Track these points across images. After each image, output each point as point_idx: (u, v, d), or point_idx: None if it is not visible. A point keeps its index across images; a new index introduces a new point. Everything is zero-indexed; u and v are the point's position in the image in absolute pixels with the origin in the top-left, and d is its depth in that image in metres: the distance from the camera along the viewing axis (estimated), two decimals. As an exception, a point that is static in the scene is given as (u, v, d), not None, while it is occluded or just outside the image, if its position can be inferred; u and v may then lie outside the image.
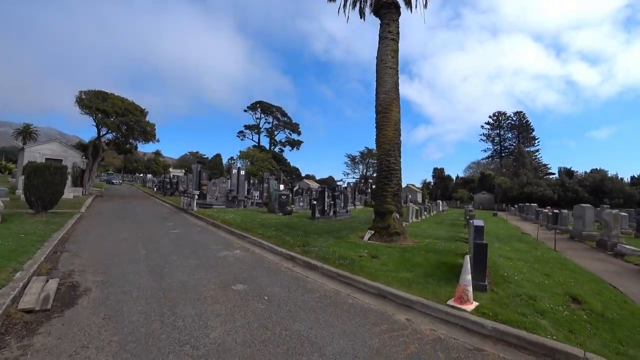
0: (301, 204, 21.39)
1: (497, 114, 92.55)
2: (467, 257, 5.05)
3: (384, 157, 10.33)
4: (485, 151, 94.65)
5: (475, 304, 4.91)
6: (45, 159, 27.07)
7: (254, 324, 4.50)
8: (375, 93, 11.09)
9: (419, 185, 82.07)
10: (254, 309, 5.00)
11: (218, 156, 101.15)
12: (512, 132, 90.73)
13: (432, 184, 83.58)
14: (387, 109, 10.51)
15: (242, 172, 25.66)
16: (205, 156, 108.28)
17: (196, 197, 18.78)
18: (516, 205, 41.54)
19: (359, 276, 6.36)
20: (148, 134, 28.88)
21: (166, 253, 8.53)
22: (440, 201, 42.28)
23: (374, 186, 44.08)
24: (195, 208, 18.60)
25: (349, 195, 20.63)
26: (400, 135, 10.66)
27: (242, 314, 4.80)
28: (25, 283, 5.53)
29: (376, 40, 11.21)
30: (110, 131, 27.92)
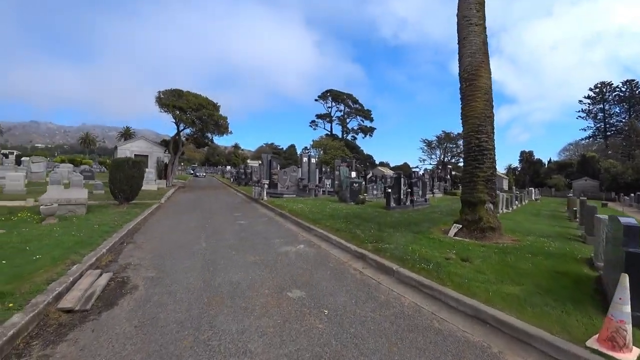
0: (375, 192, 19.96)
1: (600, 85, 79.00)
2: (625, 278, 3.28)
3: (473, 134, 8.45)
4: (585, 130, 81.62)
5: (637, 351, 3.19)
6: (134, 154, 29.44)
7: (306, 353, 3.39)
8: (458, 58, 9.19)
9: (502, 171, 74.38)
10: (309, 328, 3.91)
11: (292, 147, 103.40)
12: (620, 106, 76.95)
13: (518, 169, 75.12)
14: (475, 75, 8.57)
15: (313, 161, 24.96)
16: (280, 147, 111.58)
17: (266, 186, 18.46)
18: (633, 194, 34.78)
19: (447, 287, 4.87)
20: (221, 127, 29.69)
21: (225, 246, 7.94)
22: (533, 189, 37.33)
23: (453, 172, 40.58)
24: (265, 197, 18.30)
25: (427, 183, 18.58)
26: (492, 106, 8.67)
27: (294, 336, 3.74)
28: (76, 278, 5.30)
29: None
30: (187, 126, 29.24)
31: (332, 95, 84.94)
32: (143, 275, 5.74)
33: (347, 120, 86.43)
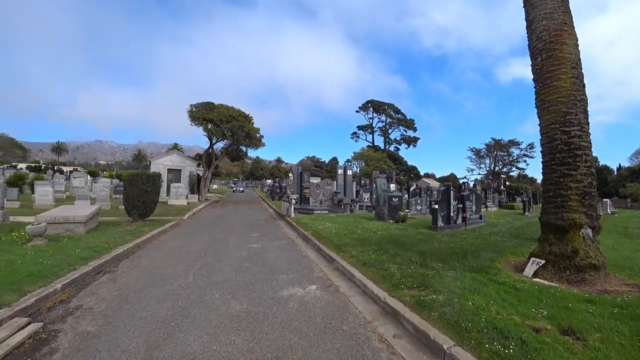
0: (419, 207, 17.26)
1: None
2: None
3: (557, 126, 5.81)
4: None
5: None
6: (167, 169, 28.92)
7: None
8: (525, 26, 6.66)
9: None
10: None
11: (334, 159, 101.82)
12: None
13: None
14: (554, 43, 5.99)
15: (349, 172, 22.72)
16: (322, 160, 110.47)
17: (293, 201, 16.47)
18: None
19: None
20: (252, 138, 28.36)
21: (214, 283, 6.15)
22: (608, 200, 32.06)
23: (507, 182, 36.11)
24: (292, 214, 16.31)
25: (480, 195, 15.63)
26: (584, 85, 6.01)
27: None
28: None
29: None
30: (218, 139, 28.27)
31: (373, 106, 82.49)
32: (80, 330, 4.21)
33: (389, 130, 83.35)
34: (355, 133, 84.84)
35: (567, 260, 5.51)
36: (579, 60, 6.00)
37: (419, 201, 17.44)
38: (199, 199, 28.86)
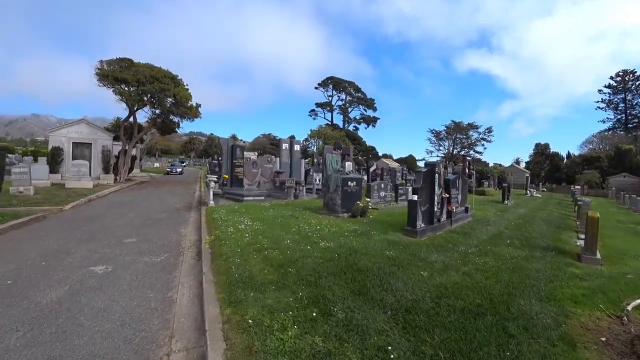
0: (382, 193, 13.24)
1: (622, 73, 70.66)
2: None
3: None
4: (604, 122, 73.47)
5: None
6: (73, 142, 22.81)
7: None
8: None
9: (507, 163, 66.81)
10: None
11: (292, 137, 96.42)
12: (646, 95, 68.86)
13: (531, 163, 67.41)
14: None
15: (297, 148, 18.22)
16: (278, 138, 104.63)
17: (213, 184, 11.80)
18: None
19: None
20: (182, 106, 22.79)
21: None
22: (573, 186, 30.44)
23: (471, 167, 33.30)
24: (210, 202, 11.68)
25: (467, 180, 11.80)
26: None
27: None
28: None
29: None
30: (135, 105, 22.45)
31: (333, 83, 77.90)
32: None
33: (349, 109, 79.40)
34: (313, 110, 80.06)
35: None
36: None
37: (382, 186, 13.43)
38: (116, 179, 23.16)
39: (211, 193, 11.79)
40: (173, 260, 6.21)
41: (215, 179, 11.91)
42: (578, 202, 13.20)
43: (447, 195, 8.56)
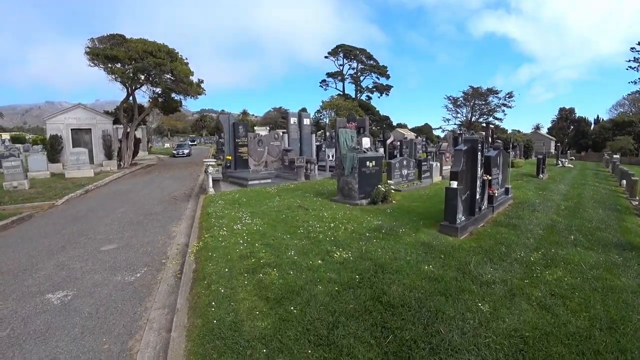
0: (405, 171, 11.59)
1: None
2: None
3: None
4: (636, 83, 67.54)
5: None
6: (71, 129, 21.65)
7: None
8: None
9: (525, 130, 62.97)
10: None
11: (303, 110, 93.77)
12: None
13: (553, 129, 63.43)
14: None
15: (307, 122, 16.59)
16: (289, 110, 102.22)
17: (211, 169, 10.44)
18: None
19: None
20: (182, 82, 21.14)
21: None
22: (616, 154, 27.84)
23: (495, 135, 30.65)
24: (210, 190, 10.37)
25: (508, 154, 9.87)
26: None
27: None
28: None
29: None
30: (128, 83, 20.95)
31: (344, 51, 74.09)
32: None
33: (361, 77, 75.99)
34: (324, 81, 76.93)
35: None
36: None
37: (404, 163, 11.77)
38: (119, 165, 22.11)
39: (210, 180, 10.45)
40: (150, 278, 4.95)
41: (213, 162, 10.52)
42: (631, 177, 11.40)
43: (489, 177, 6.96)
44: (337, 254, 4.67)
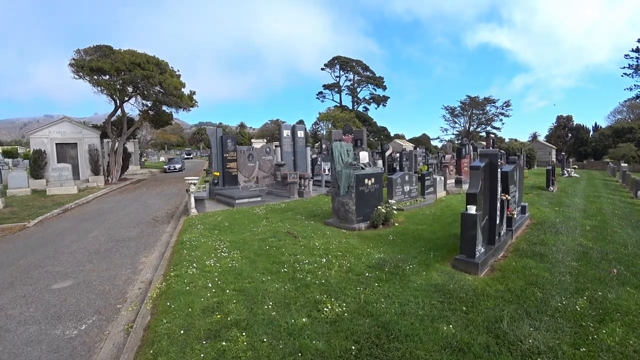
0: (407, 188, 10.57)
1: None
2: None
3: None
4: (631, 89, 66.50)
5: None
6: (56, 144, 20.65)
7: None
8: None
9: (522, 139, 62.29)
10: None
11: (300, 122, 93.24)
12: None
13: (551, 137, 62.75)
14: None
15: (300, 134, 15.66)
16: (284, 122, 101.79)
17: (193, 188, 9.42)
18: None
19: None
20: (172, 95, 20.22)
21: None
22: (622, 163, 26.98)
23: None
24: (192, 210, 9.35)
25: (516, 173, 8.81)
26: None
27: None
28: None
29: None
30: (113, 95, 20.07)
31: (340, 63, 73.93)
32: None
33: (358, 89, 75.64)
34: (321, 93, 76.65)
35: None
36: None
37: (406, 178, 10.76)
38: (107, 180, 21.08)
39: (192, 200, 9.43)
40: (96, 333, 3.91)
41: (196, 180, 9.50)
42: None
43: (507, 197, 5.97)
44: (327, 307, 3.62)
